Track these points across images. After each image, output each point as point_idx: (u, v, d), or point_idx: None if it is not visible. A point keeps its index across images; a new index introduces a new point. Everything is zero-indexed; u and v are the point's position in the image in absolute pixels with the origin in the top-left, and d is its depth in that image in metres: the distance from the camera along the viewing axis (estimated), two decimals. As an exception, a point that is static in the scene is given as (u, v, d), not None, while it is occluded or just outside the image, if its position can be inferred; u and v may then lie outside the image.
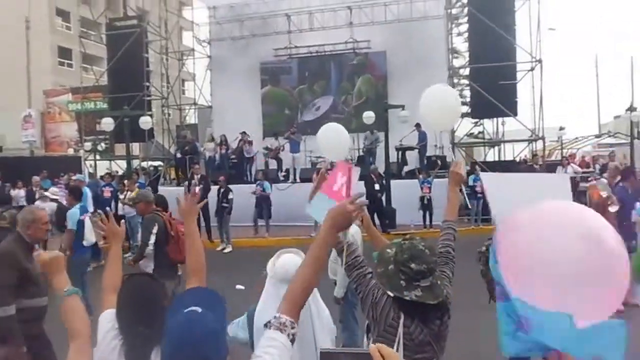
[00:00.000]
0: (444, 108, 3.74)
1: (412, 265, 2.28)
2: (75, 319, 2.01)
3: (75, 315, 2.02)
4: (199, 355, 1.50)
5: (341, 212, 1.76)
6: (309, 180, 15.04)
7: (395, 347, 2.26)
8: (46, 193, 11.95)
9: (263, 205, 14.15)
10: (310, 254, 1.76)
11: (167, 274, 5.39)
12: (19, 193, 15.84)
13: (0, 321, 3.80)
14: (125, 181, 14.40)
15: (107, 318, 2.20)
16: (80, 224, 8.05)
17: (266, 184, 14.28)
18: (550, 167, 17.71)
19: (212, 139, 18.66)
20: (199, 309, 1.60)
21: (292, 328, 1.63)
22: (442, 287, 2.34)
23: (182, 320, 1.57)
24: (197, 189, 10.87)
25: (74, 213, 8.28)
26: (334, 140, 4.74)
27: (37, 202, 12.28)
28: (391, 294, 2.33)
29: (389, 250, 2.42)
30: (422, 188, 14.54)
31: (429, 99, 3.80)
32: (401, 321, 2.30)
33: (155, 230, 5.89)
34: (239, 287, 7.51)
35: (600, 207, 6.99)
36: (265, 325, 1.66)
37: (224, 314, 1.73)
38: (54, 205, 11.01)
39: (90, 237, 8.05)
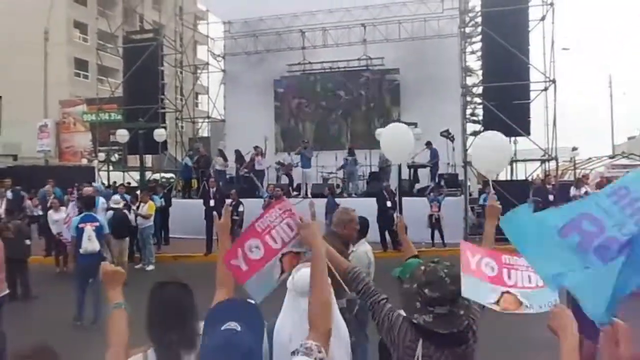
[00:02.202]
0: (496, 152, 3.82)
1: (426, 291, 2.24)
2: (113, 331, 2.17)
3: (114, 328, 2.18)
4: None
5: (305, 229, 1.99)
6: (321, 195, 15.07)
7: None
8: (109, 202, 12.48)
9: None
10: (311, 275, 1.81)
11: None
12: (31, 204, 15.93)
13: None
14: (139, 193, 14.49)
15: None
16: (80, 231, 8.20)
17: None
18: (563, 188, 17.61)
19: (222, 154, 18.75)
20: (237, 327, 1.63)
21: (319, 352, 1.68)
22: (463, 317, 2.24)
23: (220, 343, 1.60)
24: (229, 205, 11.07)
25: (74, 220, 8.63)
26: (398, 143, 4.81)
27: (50, 212, 12.46)
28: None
29: (420, 269, 2.40)
30: (431, 206, 14.50)
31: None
32: (420, 342, 2.26)
33: None
34: (250, 300, 7.50)
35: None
36: (293, 353, 1.69)
37: (262, 328, 1.77)
38: (111, 213, 11.59)
39: (86, 245, 8.11)
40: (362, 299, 2.60)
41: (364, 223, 5.49)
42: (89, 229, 8.23)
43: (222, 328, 1.63)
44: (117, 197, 12.69)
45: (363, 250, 5.29)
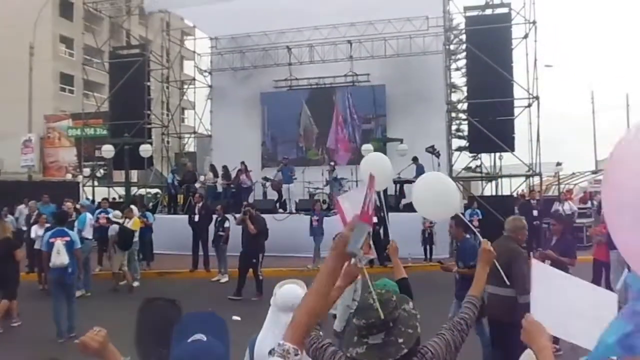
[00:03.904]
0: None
1: (354, 320, 2.14)
2: None
3: None
4: None
5: (344, 239, 1.65)
6: (307, 210, 15.05)
7: None
8: (109, 216, 13.12)
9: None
10: (315, 281, 1.76)
11: None
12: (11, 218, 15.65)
13: None
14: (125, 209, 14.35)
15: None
16: (50, 246, 8.44)
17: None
18: (548, 203, 17.77)
19: (212, 169, 18.70)
20: (204, 337, 1.63)
21: (296, 355, 1.59)
22: (402, 345, 2.06)
23: (189, 352, 1.60)
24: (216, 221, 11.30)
25: (46, 235, 8.88)
26: (378, 170, 4.86)
27: (35, 227, 12.30)
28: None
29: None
30: (424, 222, 14.54)
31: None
32: None
33: None
34: (235, 318, 7.45)
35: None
36: (270, 353, 1.64)
37: (228, 340, 1.76)
38: (117, 227, 12.22)
39: (54, 259, 8.32)
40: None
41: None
42: (58, 243, 8.41)
43: (189, 340, 1.63)
44: (117, 212, 13.16)
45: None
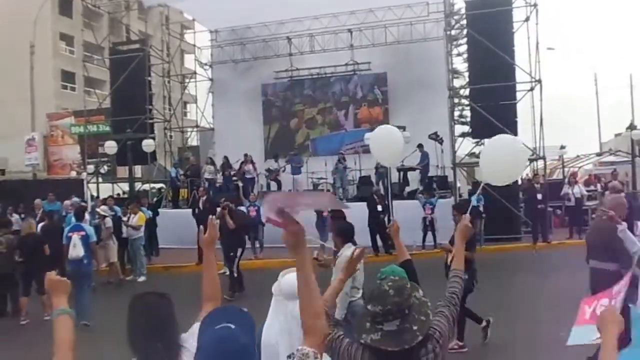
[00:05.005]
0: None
1: (369, 307, 2.18)
2: (58, 337, 2.12)
3: (59, 334, 2.14)
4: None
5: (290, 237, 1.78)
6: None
7: None
8: (98, 210, 13.52)
9: (258, 227, 14.17)
10: (301, 282, 1.81)
11: None
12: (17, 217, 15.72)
13: None
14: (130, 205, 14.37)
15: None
16: (68, 239, 9.20)
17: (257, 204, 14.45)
18: (553, 187, 17.70)
19: (212, 162, 18.70)
20: (232, 326, 1.71)
21: (315, 358, 1.69)
22: (417, 332, 2.12)
23: (217, 336, 1.67)
24: (213, 219, 10.86)
25: (66, 230, 9.68)
26: (389, 145, 4.82)
27: (40, 225, 12.33)
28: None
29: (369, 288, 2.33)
30: (424, 209, 14.51)
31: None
32: None
33: None
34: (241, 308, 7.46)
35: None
36: (289, 357, 1.72)
37: (254, 329, 1.83)
38: (110, 220, 12.80)
39: (71, 252, 9.08)
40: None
41: (348, 228, 5.60)
42: (74, 237, 9.13)
43: (217, 327, 1.70)
44: (104, 207, 13.62)
45: (347, 255, 5.40)
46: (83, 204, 14.60)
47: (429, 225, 14.39)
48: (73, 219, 11.11)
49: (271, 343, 2.38)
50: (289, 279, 2.55)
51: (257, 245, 14.46)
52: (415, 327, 2.12)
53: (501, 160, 3.77)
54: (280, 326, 2.41)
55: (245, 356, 1.67)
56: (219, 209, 13.43)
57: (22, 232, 9.82)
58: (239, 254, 10.93)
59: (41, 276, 8.68)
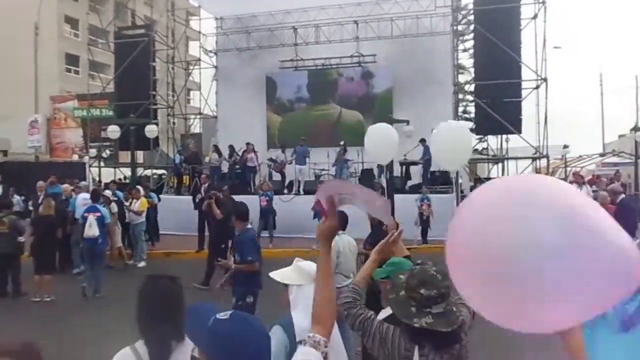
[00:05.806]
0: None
1: (422, 291, 2.23)
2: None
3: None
4: (260, 344, 1.63)
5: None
6: (313, 192, 15.04)
7: None
8: (104, 193, 13.28)
9: (269, 216, 14.17)
10: (318, 270, 1.83)
11: None
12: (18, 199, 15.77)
13: None
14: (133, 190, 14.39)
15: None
16: (85, 219, 9.79)
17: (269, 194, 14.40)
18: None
19: (216, 149, 18.67)
20: (225, 315, 1.66)
21: (325, 347, 1.70)
22: (457, 313, 2.26)
23: (228, 325, 1.61)
24: (212, 202, 10.78)
25: (82, 211, 10.31)
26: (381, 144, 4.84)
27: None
28: (403, 324, 2.28)
29: (401, 276, 2.39)
30: (421, 205, 14.51)
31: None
32: (416, 350, 2.24)
33: None
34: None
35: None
36: (300, 342, 1.72)
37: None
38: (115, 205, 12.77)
39: (87, 231, 9.67)
40: (350, 320, 2.48)
41: (342, 217, 5.67)
42: (90, 218, 9.73)
43: (219, 316, 1.64)
44: (108, 191, 13.54)
45: (342, 244, 5.76)
46: (98, 187, 14.96)
47: (425, 221, 14.39)
48: (78, 202, 11.72)
49: (308, 328, 2.31)
50: (307, 265, 2.58)
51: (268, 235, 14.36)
52: (454, 309, 2.26)
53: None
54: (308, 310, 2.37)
55: (266, 338, 1.69)
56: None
57: (41, 211, 9.99)
58: (230, 244, 9.79)
59: (45, 257, 8.86)
